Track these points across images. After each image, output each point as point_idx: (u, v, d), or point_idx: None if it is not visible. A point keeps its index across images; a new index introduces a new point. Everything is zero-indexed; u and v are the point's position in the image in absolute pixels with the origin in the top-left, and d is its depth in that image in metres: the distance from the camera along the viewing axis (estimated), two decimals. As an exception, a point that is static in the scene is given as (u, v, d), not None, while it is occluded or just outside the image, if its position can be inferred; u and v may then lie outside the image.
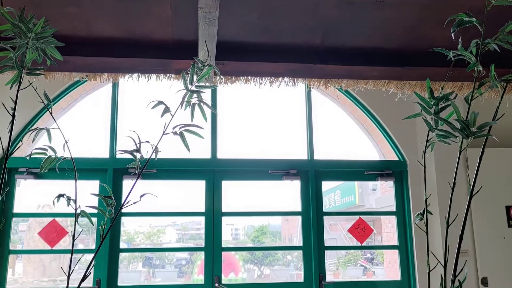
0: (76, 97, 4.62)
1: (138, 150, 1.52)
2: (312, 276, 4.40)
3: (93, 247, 4.30)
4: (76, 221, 1.68)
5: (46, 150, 1.72)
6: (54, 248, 4.18)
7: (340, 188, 15.11)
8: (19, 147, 4.07)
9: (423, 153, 1.67)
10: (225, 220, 4.52)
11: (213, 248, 4.37)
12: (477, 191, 1.48)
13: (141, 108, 4.38)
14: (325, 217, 4.61)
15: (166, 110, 1.62)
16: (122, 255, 4.35)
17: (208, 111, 1.68)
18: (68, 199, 1.73)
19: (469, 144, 1.41)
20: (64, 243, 4.72)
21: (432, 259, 1.52)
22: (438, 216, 3.94)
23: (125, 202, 1.54)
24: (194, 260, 11.31)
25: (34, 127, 4.22)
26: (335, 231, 14.43)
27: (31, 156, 1.70)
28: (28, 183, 4.37)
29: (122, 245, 5.52)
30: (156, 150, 1.54)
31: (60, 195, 1.73)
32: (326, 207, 4.72)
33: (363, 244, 4.60)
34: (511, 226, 4.36)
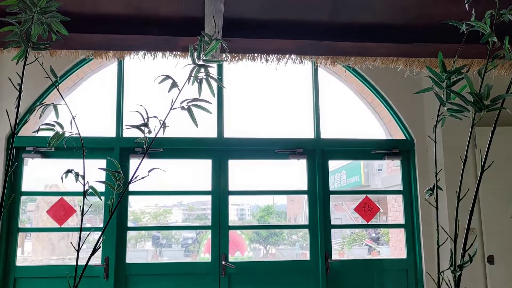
0: (82, 76, 4.60)
1: (146, 125, 1.51)
2: (318, 254, 4.42)
3: (101, 225, 4.34)
4: (84, 197, 1.68)
5: (54, 126, 1.72)
6: (62, 226, 4.22)
7: (345, 168, 15.11)
8: (25, 121, 4.06)
9: (434, 128, 1.65)
10: (231, 199, 4.54)
11: (219, 226, 4.40)
12: (489, 166, 1.46)
13: (148, 86, 4.37)
14: (330, 197, 4.62)
15: (174, 85, 1.60)
16: (129, 235, 4.39)
17: (215, 86, 1.66)
18: (77, 174, 1.73)
19: (481, 118, 1.39)
20: (72, 222, 4.77)
21: (441, 235, 1.52)
22: (445, 195, 3.92)
23: (133, 178, 1.54)
24: (200, 240, 11.42)
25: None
26: (341, 211, 14.48)
27: (39, 132, 1.69)
28: (36, 163, 4.38)
29: (130, 225, 5.58)
30: (163, 125, 1.53)
31: (68, 171, 1.73)
32: (331, 187, 4.71)
33: (369, 223, 4.61)
34: (518, 205, 4.35)
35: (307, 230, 4.55)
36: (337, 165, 15.25)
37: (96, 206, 5.05)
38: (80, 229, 1.62)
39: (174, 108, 1.55)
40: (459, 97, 1.39)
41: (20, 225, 4.28)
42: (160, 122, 1.55)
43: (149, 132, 1.52)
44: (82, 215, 1.65)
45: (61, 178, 1.75)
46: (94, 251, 1.42)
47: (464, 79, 1.63)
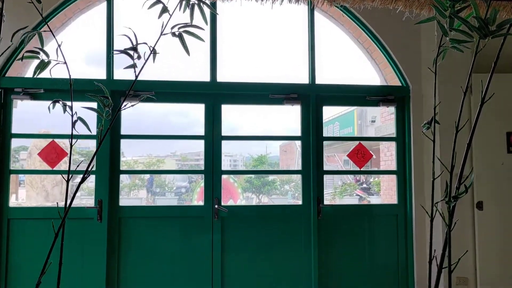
0: (70, 16, 4.44)
1: (135, 49, 1.44)
2: (311, 199, 4.47)
3: (93, 167, 4.32)
4: (73, 127, 1.63)
5: (38, 53, 1.64)
6: (54, 168, 4.20)
7: (339, 120, 15.11)
8: (13, 61, 3.94)
9: (434, 60, 1.60)
10: (224, 147, 4.50)
11: (212, 171, 4.40)
12: (490, 97, 1.42)
13: (138, 26, 4.22)
14: (324, 149, 4.60)
15: (164, 9, 1.52)
16: (122, 183, 4.38)
17: (208, 13, 1.58)
18: (64, 105, 1.67)
19: (485, 45, 1.34)
20: (65, 164, 4.74)
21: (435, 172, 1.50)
22: (438, 139, 3.92)
23: (122, 105, 1.49)
24: (193, 188, 11.52)
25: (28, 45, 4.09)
26: (333, 163, 14.61)
27: (23, 59, 1.62)
28: (26, 105, 4.30)
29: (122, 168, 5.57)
30: (153, 52, 1.46)
31: (56, 101, 1.67)
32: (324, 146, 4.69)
33: (361, 169, 4.63)
34: (510, 152, 4.37)
35: (299, 181, 4.58)
36: (330, 117, 15.24)
37: (89, 156, 5.01)
38: (69, 158, 1.59)
39: (164, 34, 1.48)
40: (464, 23, 1.33)
41: (12, 168, 4.26)
42: (150, 49, 1.48)
43: (138, 57, 1.46)
44: (71, 146, 1.61)
45: (48, 108, 1.70)
46: (87, 172, 1.38)
47: (467, 10, 1.57)
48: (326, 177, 4.69)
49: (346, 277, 4.47)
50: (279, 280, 4.39)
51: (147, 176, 11.90)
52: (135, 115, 4.81)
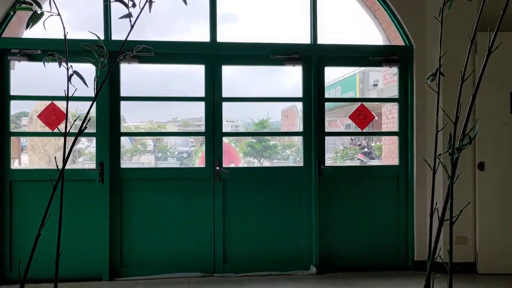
0: (65, -26, 4.31)
1: (130, -4, 1.39)
2: (312, 160, 4.46)
3: (93, 130, 4.30)
4: (69, 81, 1.60)
5: (31, 4, 1.58)
6: (54, 131, 4.18)
7: (340, 84, 14.97)
8: (9, 21, 3.86)
9: (440, 10, 1.54)
10: (225, 110, 4.46)
11: (213, 133, 4.38)
12: (497, 47, 1.38)
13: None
14: (325, 114, 4.55)
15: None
16: (124, 148, 4.37)
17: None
18: (60, 58, 1.63)
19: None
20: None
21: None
22: (442, 94, 3.87)
23: (119, 55, 1.45)
24: (195, 152, 11.56)
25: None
26: (334, 127, 14.58)
27: (15, 11, 1.56)
28: (23, 67, 4.24)
29: (123, 139, 5.56)
30: (149, 0, 1.41)
31: (50, 54, 1.63)
32: (326, 103, 4.63)
33: (363, 131, 4.60)
34: (514, 112, 4.33)
35: (300, 146, 4.56)
36: (332, 81, 15.10)
37: (91, 121, 5.00)
38: (66, 113, 1.56)
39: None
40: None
41: (13, 132, 4.24)
42: (145, -2, 1.42)
43: (133, 5, 1.41)
44: (67, 99, 1.58)
45: (43, 62, 1.66)
46: (84, 124, 1.36)
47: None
48: (327, 142, 4.67)
49: (346, 237, 4.52)
50: (281, 240, 4.44)
51: (149, 142, 11.92)
52: (136, 84, 4.76)
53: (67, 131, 1.54)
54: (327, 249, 4.48)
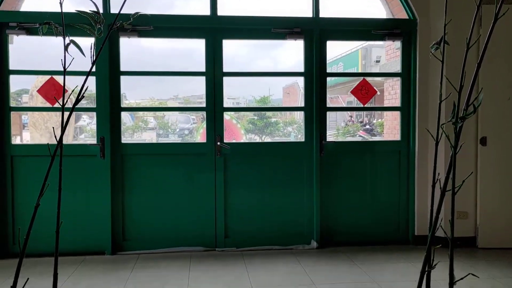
0: None
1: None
2: (313, 136, 4.44)
3: (93, 105, 4.27)
4: (65, 50, 1.57)
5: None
6: (55, 106, 4.16)
7: (342, 60, 14.84)
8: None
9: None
10: (226, 87, 4.42)
11: (214, 108, 4.35)
12: (504, 13, 1.34)
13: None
14: (327, 90, 4.51)
15: None
16: (125, 125, 4.36)
17: None
18: (56, 27, 1.60)
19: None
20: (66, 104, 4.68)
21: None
22: (445, 67, 3.82)
23: (115, 21, 1.41)
24: (197, 129, 11.55)
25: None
26: (336, 104, 14.52)
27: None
28: (22, 41, 4.19)
29: (124, 116, 5.54)
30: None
31: (47, 23, 1.60)
32: (328, 79, 4.58)
33: (365, 106, 4.56)
34: (518, 87, 4.28)
35: (302, 123, 4.53)
36: (334, 57, 14.96)
37: (92, 98, 4.95)
38: (63, 82, 1.54)
39: None
40: None
41: (12, 107, 4.21)
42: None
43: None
44: (65, 69, 1.55)
45: (39, 31, 1.62)
46: (80, 94, 1.34)
47: None
48: (329, 119, 4.63)
49: (347, 212, 4.53)
50: (282, 215, 4.46)
51: (151, 119, 11.90)
52: (136, 61, 4.72)
53: (65, 102, 1.52)
54: (328, 224, 4.50)
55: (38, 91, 4.14)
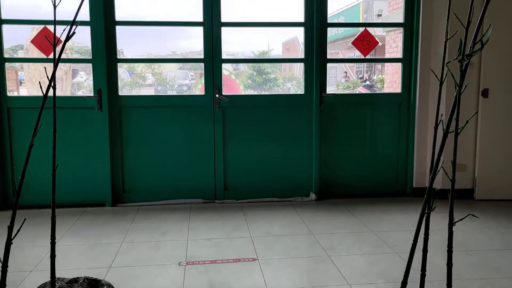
0: None
1: None
2: (313, 88, 4.39)
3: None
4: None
5: None
6: (49, 57, 4.07)
7: (344, 14, 14.51)
8: None
9: None
10: (225, 38, 4.31)
11: (212, 59, 4.27)
12: None
13: None
14: (327, 47, 4.39)
15: None
16: (123, 81, 4.30)
17: None
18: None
19: None
20: (64, 54, 4.58)
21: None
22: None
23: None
24: (195, 85, 11.43)
25: None
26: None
27: None
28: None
29: (122, 71, 5.44)
30: None
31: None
32: (329, 35, 4.45)
33: (366, 57, 4.48)
34: (522, 37, 4.19)
35: (301, 79, 4.47)
36: (335, 11, 14.62)
37: (89, 54, 4.85)
38: (54, 23, 1.48)
39: None
40: None
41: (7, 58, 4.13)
42: None
43: None
44: (55, 7, 1.49)
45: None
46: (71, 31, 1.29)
47: None
48: (328, 75, 4.53)
49: (346, 164, 4.54)
50: (281, 168, 4.47)
51: (149, 75, 11.74)
52: (132, 16, 4.59)
53: (56, 41, 1.46)
54: (327, 177, 4.52)
55: (32, 41, 4.05)
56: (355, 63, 12.93)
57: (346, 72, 14.06)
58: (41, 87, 1.07)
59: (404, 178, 4.61)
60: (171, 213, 4.06)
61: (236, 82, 10.81)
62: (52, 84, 1.02)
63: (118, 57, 4.21)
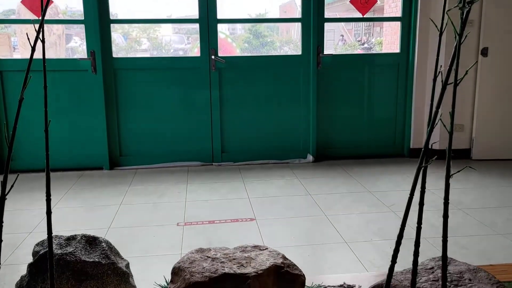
0: None
1: None
2: (310, 48, 4.32)
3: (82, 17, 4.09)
4: None
5: None
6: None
7: (342, -25, 14.19)
8: None
9: None
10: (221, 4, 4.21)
11: (208, 19, 4.18)
12: None
13: None
14: (325, 9, 4.28)
15: None
16: (118, 46, 4.22)
17: None
18: None
19: None
20: (51, 11, 4.47)
21: None
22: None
23: None
24: (191, 49, 11.28)
25: None
26: (335, 22, 14.04)
27: None
28: None
29: (117, 35, 5.33)
30: None
31: None
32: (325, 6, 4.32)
33: (364, 16, 4.39)
34: (524, -6, 4.10)
35: (299, 43, 4.38)
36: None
37: (82, 16, 4.74)
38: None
39: None
40: None
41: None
42: None
43: None
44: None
45: None
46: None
47: None
48: (326, 39, 4.42)
49: (344, 126, 4.52)
50: (278, 130, 4.45)
51: (144, 40, 11.57)
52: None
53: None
54: (324, 138, 4.51)
55: (23, 2, 3.94)
56: (353, 26, 12.70)
57: (342, 36, 13.82)
58: (28, 39, 1.03)
59: (401, 139, 4.60)
60: (168, 176, 4.07)
61: (233, 45, 10.65)
62: (41, 36, 0.98)
63: (111, 18, 4.12)
